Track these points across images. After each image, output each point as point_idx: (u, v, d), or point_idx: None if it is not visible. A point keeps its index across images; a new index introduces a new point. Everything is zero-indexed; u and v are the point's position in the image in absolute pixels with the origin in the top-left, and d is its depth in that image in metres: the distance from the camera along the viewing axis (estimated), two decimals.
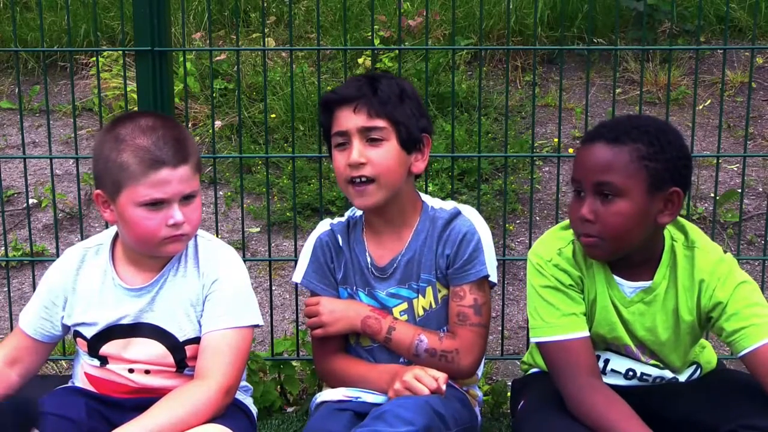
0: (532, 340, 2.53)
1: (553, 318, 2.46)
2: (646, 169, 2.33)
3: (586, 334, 2.46)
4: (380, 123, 2.53)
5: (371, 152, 2.53)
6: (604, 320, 2.50)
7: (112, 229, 2.60)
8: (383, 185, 2.55)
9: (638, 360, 2.54)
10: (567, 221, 2.56)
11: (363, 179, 2.54)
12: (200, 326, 2.51)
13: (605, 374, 2.55)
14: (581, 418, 2.35)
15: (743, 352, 2.37)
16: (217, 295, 2.50)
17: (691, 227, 2.51)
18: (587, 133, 2.45)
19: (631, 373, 2.55)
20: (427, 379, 2.44)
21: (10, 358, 2.57)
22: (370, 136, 2.54)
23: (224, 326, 2.47)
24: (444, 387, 2.45)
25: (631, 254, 2.43)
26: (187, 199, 2.42)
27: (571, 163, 5.13)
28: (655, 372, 2.55)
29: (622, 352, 2.54)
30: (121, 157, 2.37)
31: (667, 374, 2.56)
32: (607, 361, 2.56)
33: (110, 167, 2.39)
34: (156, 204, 2.38)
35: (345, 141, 2.56)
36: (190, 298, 2.51)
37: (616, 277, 2.48)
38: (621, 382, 2.55)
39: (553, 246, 2.51)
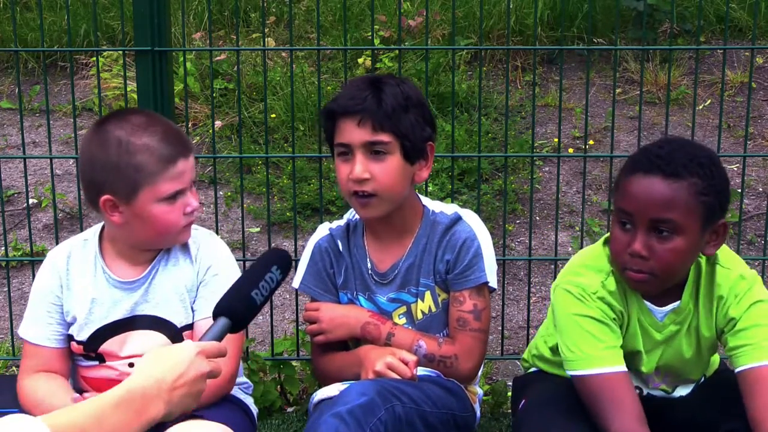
0: (569, 373, 2.41)
1: (595, 350, 2.35)
2: (703, 205, 2.26)
3: (625, 369, 2.37)
4: (385, 137, 2.51)
5: (375, 167, 2.51)
6: (629, 350, 2.43)
7: (96, 227, 2.60)
8: (386, 199, 2.54)
9: (645, 385, 2.52)
10: (591, 248, 2.49)
11: (366, 193, 2.54)
12: (193, 312, 2.52)
13: None
14: None
15: (738, 370, 2.34)
16: (215, 280, 2.51)
17: None
18: (639, 163, 2.31)
19: (637, 391, 2.48)
20: (400, 368, 2.45)
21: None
22: (373, 149, 2.52)
23: None
24: (416, 372, 2.45)
25: None
26: (191, 189, 2.49)
27: (571, 163, 5.16)
28: (659, 394, 2.54)
29: (635, 373, 2.48)
30: (135, 159, 2.38)
31: (673, 396, 2.55)
32: None
33: (122, 171, 2.38)
34: (175, 196, 2.43)
35: (348, 152, 2.54)
36: (185, 284, 2.52)
37: (647, 303, 2.42)
38: None
39: (595, 278, 2.40)
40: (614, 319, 2.38)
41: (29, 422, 1.55)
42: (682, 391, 2.55)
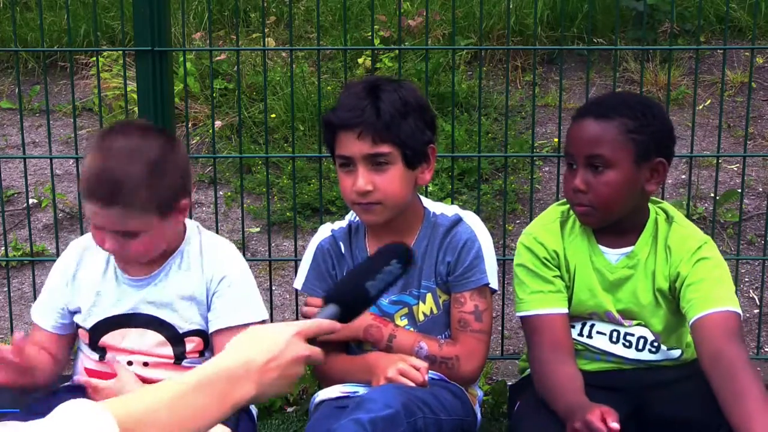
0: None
1: (524, 294, 2.60)
2: (633, 142, 2.48)
3: (555, 311, 2.56)
4: (385, 149, 2.50)
5: (377, 178, 2.51)
6: (585, 288, 2.59)
7: None
8: (390, 207, 2.54)
9: (620, 324, 2.60)
10: (552, 208, 2.67)
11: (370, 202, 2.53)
12: (206, 321, 2.53)
13: (591, 337, 2.61)
14: (542, 395, 2.45)
15: (689, 324, 2.47)
16: (229, 291, 2.51)
17: (674, 211, 2.63)
18: (578, 110, 2.59)
19: (615, 335, 2.61)
20: (412, 374, 2.45)
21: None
22: (375, 161, 2.51)
23: (245, 321, 2.48)
24: (427, 377, 2.46)
25: (619, 222, 2.56)
26: (124, 236, 2.40)
27: None
28: (637, 332, 2.60)
29: (605, 319, 2.61)
30: (83, 172, 2.41)
31: (649, 335, 2.60)
32: (592, 326, 2.62)
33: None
34: (96, 226, 2.42)
35: (349, 163, 2.53)
36: (192, 291, 2.52)
37: (600, 247, 2.60)
38: (607, 345, 2.61)
39: (540, 224, 2.65)
40: (545, 258, 2.59)
41: (92, 409, 1.43)
42: (652, 336, 2.61)
